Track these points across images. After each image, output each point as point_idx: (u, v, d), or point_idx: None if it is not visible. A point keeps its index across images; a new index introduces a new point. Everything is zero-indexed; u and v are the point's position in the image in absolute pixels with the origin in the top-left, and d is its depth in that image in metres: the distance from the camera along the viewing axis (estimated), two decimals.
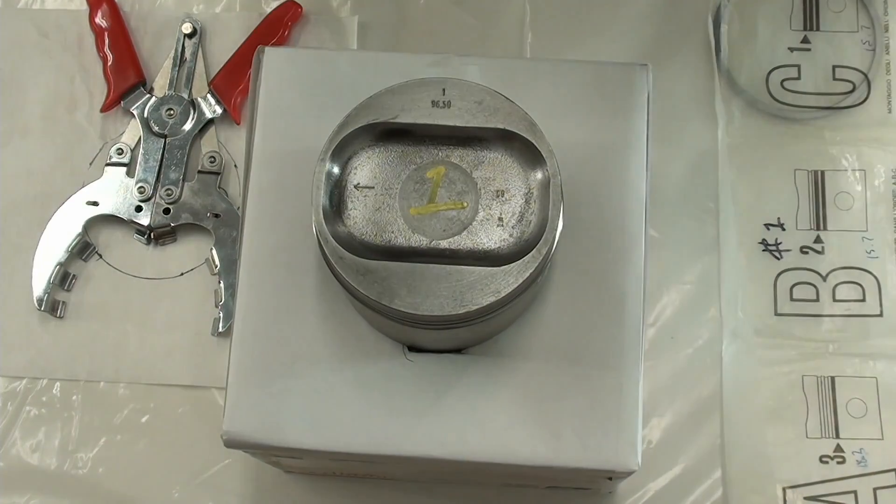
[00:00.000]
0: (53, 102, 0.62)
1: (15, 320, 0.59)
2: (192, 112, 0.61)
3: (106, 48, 0.61)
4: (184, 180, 0.60)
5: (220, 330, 0.58)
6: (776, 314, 0.58)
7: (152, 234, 0.60)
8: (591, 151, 0.42)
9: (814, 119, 0.61)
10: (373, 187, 0.37)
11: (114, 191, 0.60)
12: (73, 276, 0.59)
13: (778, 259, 0.59)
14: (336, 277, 0.37)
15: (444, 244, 0.37)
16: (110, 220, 0.60)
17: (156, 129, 0.61)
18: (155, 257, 0.60)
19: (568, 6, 0.63)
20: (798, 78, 0.61)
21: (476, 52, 0.61)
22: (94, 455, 0.57)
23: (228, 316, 0.57)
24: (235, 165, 0.61)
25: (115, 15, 0.62)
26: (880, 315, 0.58)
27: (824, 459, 0.56)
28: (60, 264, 0.59)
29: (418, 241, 0.37)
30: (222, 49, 0.62)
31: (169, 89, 0.61)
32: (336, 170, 0.37)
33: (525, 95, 0.38)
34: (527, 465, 0.40)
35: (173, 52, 0.62)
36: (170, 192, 0.59)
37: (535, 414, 0.40)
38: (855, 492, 0.56)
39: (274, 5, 0.63)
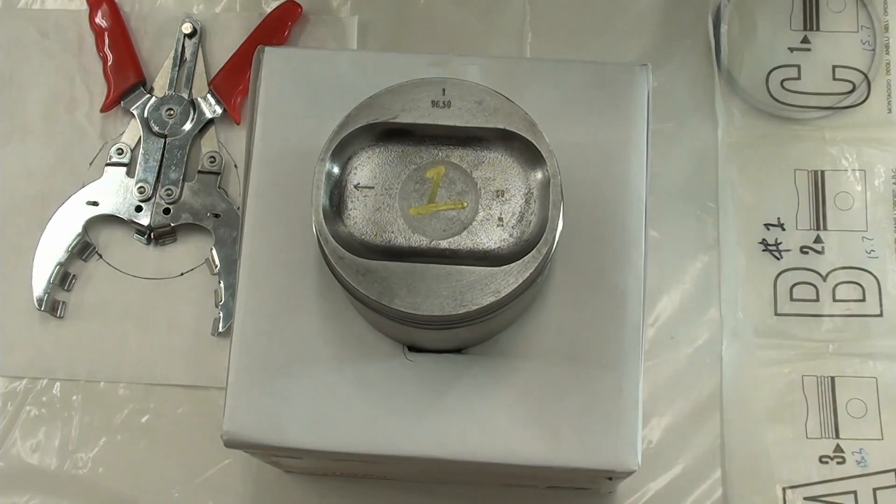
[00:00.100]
0: (53, 102, 0.62)
1: (15, 320, 0.59)
2: (192, 112, 0.61)
3: (106, 48, 0.61)
4: (184, 180, 0.60)
5: (220, 330, 0.58)
6: (776, 314, 0.58)
7: (152, 234, 0.60)
8: (591, 151, 0.42)
9: (814, 119, 0.61)
10: (373, 187, 0.37)
11: (114, 191, 0.60)
12: (73, 276, 0.59)
13: (778, 259, 0.59)
14: (336, 277, 0.37)
15: (444, 244, 0.37)
16: (110, 220, 0.60)
17: (156, 129, 0.61)
18: (155, 257, 0.60)
19: (568, 6, 0.63)
20: (798, 78, 0.61)
21: (476, 52, 0.61)
22: (94, 455, 0.57)
23: (228, 316, 0.57)
24: (235, 165, 0.61)
25: (115, 15, 0.62)
26: (880, 315, 0.58)
27: (824, 460, 0.56)
28: (60, 264, 0.59)
29: (418, 241, 0.37)
30: (222, 49, 0.62)
31: (169, 89, 0.61)
32: (336, 170, 0.37)
33: (525, 95, 0.38)
34: (527, 465, 0.40)
35: (173, 52, 0.62)
36: (170, 192, 0.59)
37: (535, 414, 0.40)
38: (855, 492, 0.56)
39: (274, 5, 0.63)
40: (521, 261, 0.36)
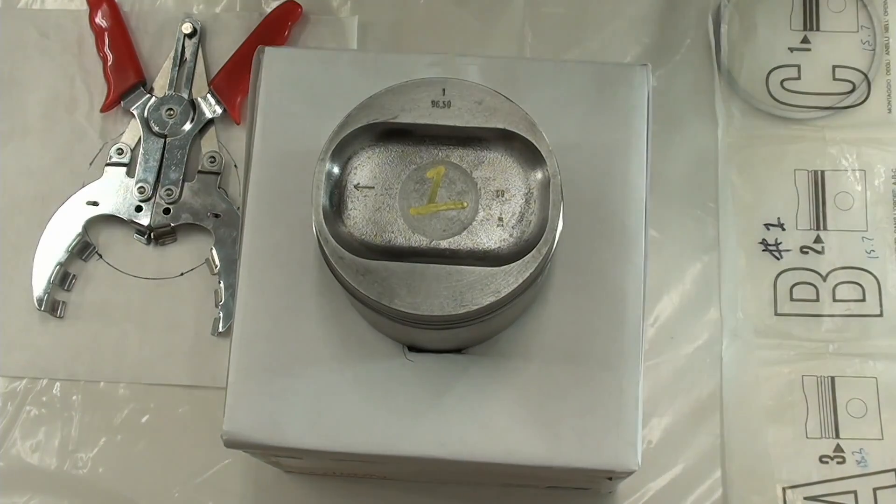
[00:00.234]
0: (53, 102, 0.62)
1: (15, 320, 0.59)
2: (192, 112, 0.61)
3: (106, 48, 0.61)
4: (184, 180, 0.60)
5: (220, 330, 0.58)
6: (776, 314, 0.58)
7: (152, 234, 0.60)
8: (591, 151, 0.42)
9: (814, 119, 0.61)
10: (373, 187, 0.37)
11: (114, 191, 0.60)
12: (73, 276, 0.59)
13: (778, 259, 0.59)
14: (336, 277, 0.37)
15: (444, 244, 0.37)
16: (110, 220, 0.60)
17: (156, 129, 0.61)
18: (155, 257, 0.60)
19: (568, 6, 0.63)
20: (798, 78, 0.61)
21: (476, 52, 0.61)
22: (94, 455, 0.57)
23: (228, 316, 0.57)
24: (235, 165, 0.61)
25: (115, 15, 0.62)
26: (880, 315, 0.58)
27: (824, 459, 0.56)
28: (60, 264, 0.59)
29: (418, 241, 0.37)
30: (222, 49, 0.62)
31: (169, 89, 0.61)
32: (336, 170, 0.37)
33: (525, 95, 0.38)
34: (527, 465, 0.40)
35: (173, 52, 0.62)
36: (170, 192, 0.59)
37: (535, 414, 0.40)
38: (855, 492, 0.56)
39: (274, 5, 0.63)
40: (521, 261, 0.36)
